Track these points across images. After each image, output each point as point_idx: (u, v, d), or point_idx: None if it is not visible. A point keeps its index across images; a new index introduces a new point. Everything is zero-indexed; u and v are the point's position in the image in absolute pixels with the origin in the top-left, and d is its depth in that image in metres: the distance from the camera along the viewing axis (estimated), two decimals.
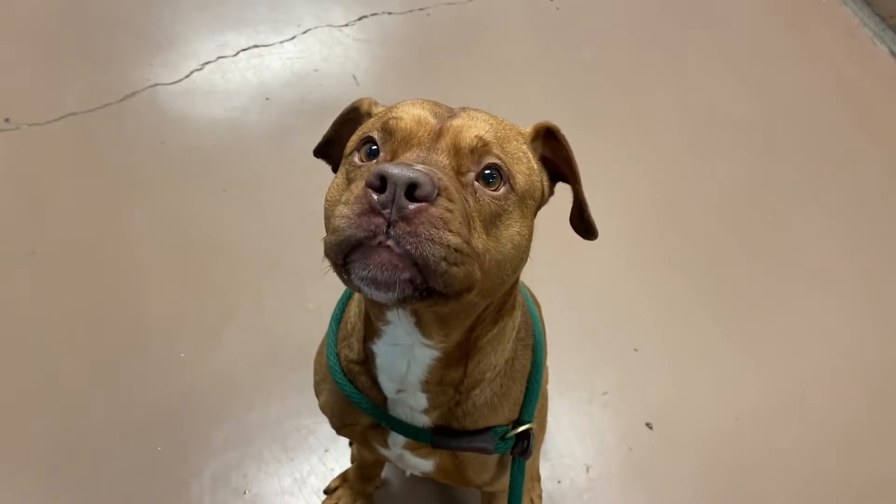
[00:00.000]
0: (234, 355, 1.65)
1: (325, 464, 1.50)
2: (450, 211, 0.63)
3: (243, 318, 1.71)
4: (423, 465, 0.97)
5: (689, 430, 1.62)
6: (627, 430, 1.61)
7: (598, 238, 0.84)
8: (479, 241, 0.68)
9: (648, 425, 1.61)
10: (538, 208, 0.81)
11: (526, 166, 0.76)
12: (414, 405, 0.87)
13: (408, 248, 0.61)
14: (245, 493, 1.45)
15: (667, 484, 1.54)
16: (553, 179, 0.85)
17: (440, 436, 0.90)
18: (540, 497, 1.47)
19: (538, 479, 1.48)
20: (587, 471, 1.54)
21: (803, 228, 2.06)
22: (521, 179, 0.74)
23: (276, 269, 1.80)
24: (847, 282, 1.96)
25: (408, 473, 1.41)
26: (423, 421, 0.89)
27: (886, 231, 2.09)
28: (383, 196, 0.62)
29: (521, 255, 0.75)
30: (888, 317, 1.89)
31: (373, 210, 0.62)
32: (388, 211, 0.62)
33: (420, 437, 0.90)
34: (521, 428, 0.93)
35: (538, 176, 0.80)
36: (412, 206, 0.62)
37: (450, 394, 0.86)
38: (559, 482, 1.52)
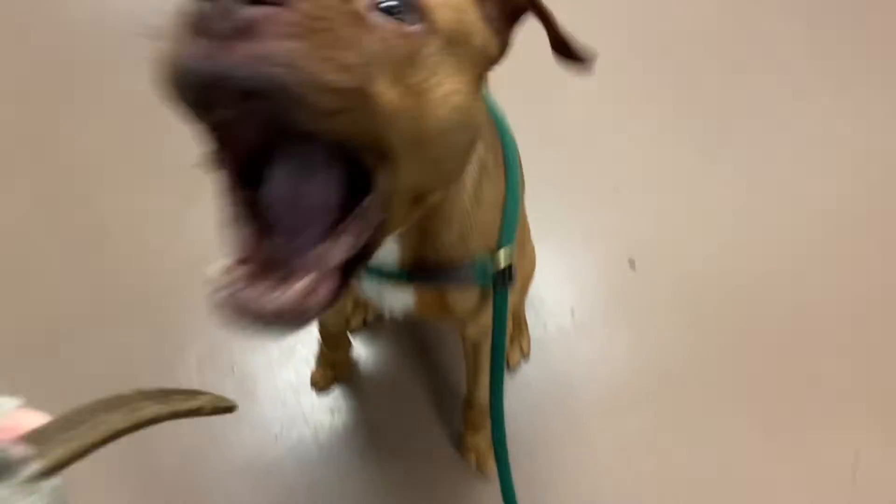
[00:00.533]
0: (202, 235, 1.59)
1: (310, 331, 1.49)
2: (320, 18, 0.43)
3: (208, 199, 1.64)
4: (403, 299, 0.92)
5: (673, 264, 1.62)
6: (610, 270, 1.60)
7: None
8: (389, 91, 0.48)
9: (631, 263, 1.60)
10: (487, 66, 0.63)
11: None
12: (387, 251, 0.79)
13: (250, 78, 0.41)
14: (233, 369, 1.45)
15: (652, 319, 1.55)
16: (511, 20, 0.65)
17: (418, 274, 0.83)
18: (528, 342, 1.49)
19: (525, 326, 1.49)
20: (572, 314, 1.54)
21: (787, 37, 1.98)
22: (444, 14, 0.54)
23: None
24: (836, 91, 1.90)
25: (388, 315, 1.40)
26: (399, 260, 0.81)
27: (873, 31, 2.02)
28: (208, 2, 0.42)
29: (465, 122, 0.57)
30: (879, 126, 1.86)
31: (197, 28, 0.42)
32: (224, 24, 0.41)
33: (398, 278, 0.83)
34: (501, 258, 0.84)
35: (474, 15, 0.60)
36: (252, 9, 0.41)
37: (416, 236, 0.78)
38: (545, 327, 1.53)
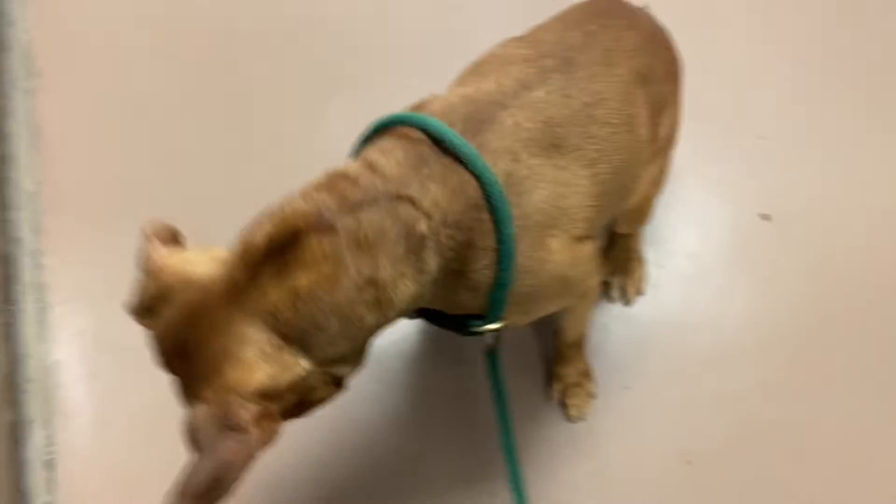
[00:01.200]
0: (339, 134, 1.63)
1: None
2: None
3: (348, 94, 1.68)
4: None
5: (809, 224, 1.53)
6: (740, 219, 1.54)
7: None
8: None
9: (764, 216, 1.53)
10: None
11: None
12: None
13: None
14: None
15: (775, 276, 1.49)
16: None
17: (421, 313, 0.96)
18: (646, 278, 1.47)
19: (643, 260, 1.47)
20: (693, 258, 1.50)
21: None
22: None
23: (380, 46, 1.73)
24: None
25: None
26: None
27: None
28: None
29: None
30: None
31: None
32: None
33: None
34: (488, 328, 0.91)
35: None
36: None
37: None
38: (661, 268, 1.50)
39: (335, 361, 0.77)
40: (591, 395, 1.39)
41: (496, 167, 0.83)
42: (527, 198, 0.86)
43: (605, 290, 1.47)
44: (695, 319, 1.46)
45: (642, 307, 1.47)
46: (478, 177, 0.82)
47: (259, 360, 0.70)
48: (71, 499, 1.37)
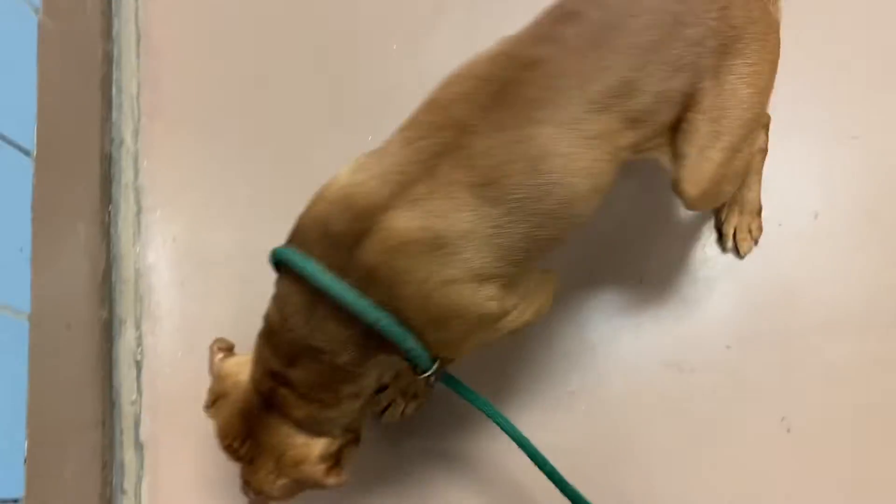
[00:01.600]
0: (446, 55, 1.56)
1: None
2: None
3: (458, 15, 1.60)
4: None
5: None
6: (876, 177, 1.40)
7: None
8: None
9: None
10: None
11: None
12: None
13: None
14: None
15: None
16: None
17: None
18: (760, 229, 1.37)
19: (758, 212, 1.36)
20: (815, 217, 1.39)
21: None
22: None
23: None
24: None
25: None
26: None
27: None
28: None
29: None
30: None
31: None
32: None
33: None
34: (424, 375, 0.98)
35: None
36: None
37: None
38: (780, 225, 1.39)
39: (352, 426, 1.00)
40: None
41: (378, 283, 0.88)
42: (413, 279, 0.89)
43: (718, 239, 1.39)
44: (809, 283, 1.36)
45: (751, 264, 1.38)
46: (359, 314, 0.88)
47: (309, 441, 0.95)
48: (155, 400, 1.40)
